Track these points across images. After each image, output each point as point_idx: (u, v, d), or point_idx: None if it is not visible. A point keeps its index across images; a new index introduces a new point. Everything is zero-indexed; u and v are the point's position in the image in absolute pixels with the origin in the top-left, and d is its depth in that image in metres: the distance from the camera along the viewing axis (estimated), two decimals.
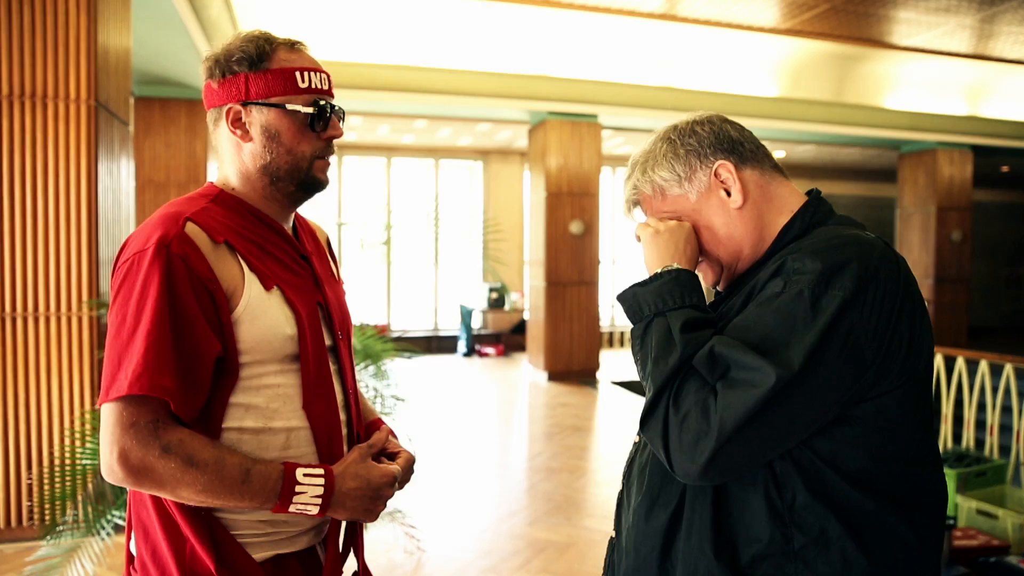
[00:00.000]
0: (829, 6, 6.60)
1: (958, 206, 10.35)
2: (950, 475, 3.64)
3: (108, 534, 2.90)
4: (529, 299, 9.20)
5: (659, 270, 1.08)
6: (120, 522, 3.14)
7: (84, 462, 3.06)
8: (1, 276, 3.44)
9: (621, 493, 1.18)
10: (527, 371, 9.16)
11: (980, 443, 5.24)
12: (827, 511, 0.94)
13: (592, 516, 4.07)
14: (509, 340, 11.53)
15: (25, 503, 3.51)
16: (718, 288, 1.17)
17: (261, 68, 1.14)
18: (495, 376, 9.24)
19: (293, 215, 1.27)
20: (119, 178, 3.92)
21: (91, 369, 3.55)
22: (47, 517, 2.82)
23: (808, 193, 1.13)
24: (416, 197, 11.87)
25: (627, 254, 12.74)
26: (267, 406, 1.13)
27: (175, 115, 7.11)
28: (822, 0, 6.44)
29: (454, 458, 5.33)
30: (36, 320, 3.48)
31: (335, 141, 1.23)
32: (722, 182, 1.09)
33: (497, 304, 11.56)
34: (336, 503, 1.11)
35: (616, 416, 6.89)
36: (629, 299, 1.08)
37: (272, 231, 1.20)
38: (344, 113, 1.24)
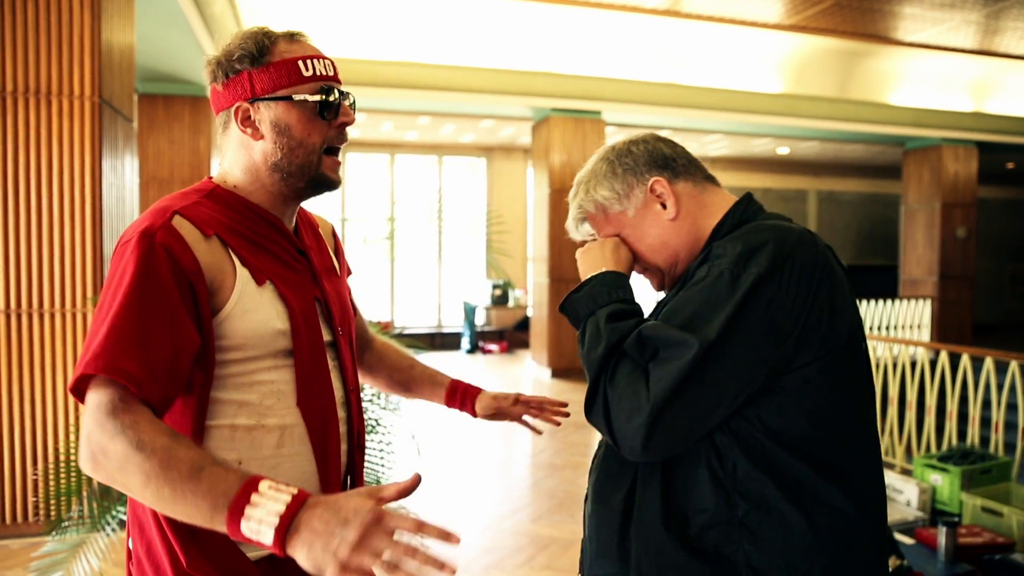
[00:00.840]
0: (834, 2, 6.58)
1: (963, 203, 10.31)
2: (955, 472, 3.64)
3: (113, 530, 2.91)
4: (533, 295, 9.20)
5: (588, 277, 1.19)
6: (124, 518, 3.16)
7: None
8: (6, 272, 3.44)
9: (587, 488, 1.22)
10: (530, 368, 9.17)
11: (985, 440, 5.23)
12: (766, 478, 1.00)
13: None
14: (513, 337, 11.54)
15: (31, 499, 3.53)
16: (664, 292, 1.26)
17: (263, 63, 1.12)
18: (498, 373, 9.24)
19: (296, 210, 1.25)
20: (123, 174, 3.93)
21: None
22: (52, 513, 2.83)
23: (738, 202, 1.20)
24: (419, 194, 11.87)
25: None
26: (260, 403, 1.11)
27: (179, 112, 7.11)
28: None
29: (457, 455, 5.33)
30: (40, 316, 3.49)
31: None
32: (657, 196, 1.18)
33: (501, 301, 11.56)
34: (298, 533, 0.84)
35: None
36: (568, 307, 1.18)
37: (268, 226, 1.18)
38: (355, 99, 1.22)
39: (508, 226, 11.40)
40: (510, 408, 1.57)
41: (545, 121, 8.51)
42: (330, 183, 1.20)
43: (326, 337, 1.21)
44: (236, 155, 1.17)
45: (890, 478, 3.83)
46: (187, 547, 1.04)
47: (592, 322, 1.12)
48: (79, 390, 0.98)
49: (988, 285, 14.55)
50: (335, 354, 1.23)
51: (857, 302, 1.13)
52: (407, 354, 1.67)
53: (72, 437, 3.24)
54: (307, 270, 1.22)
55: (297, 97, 1.13)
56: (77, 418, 3.45)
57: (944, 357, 4.79)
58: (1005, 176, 14.18)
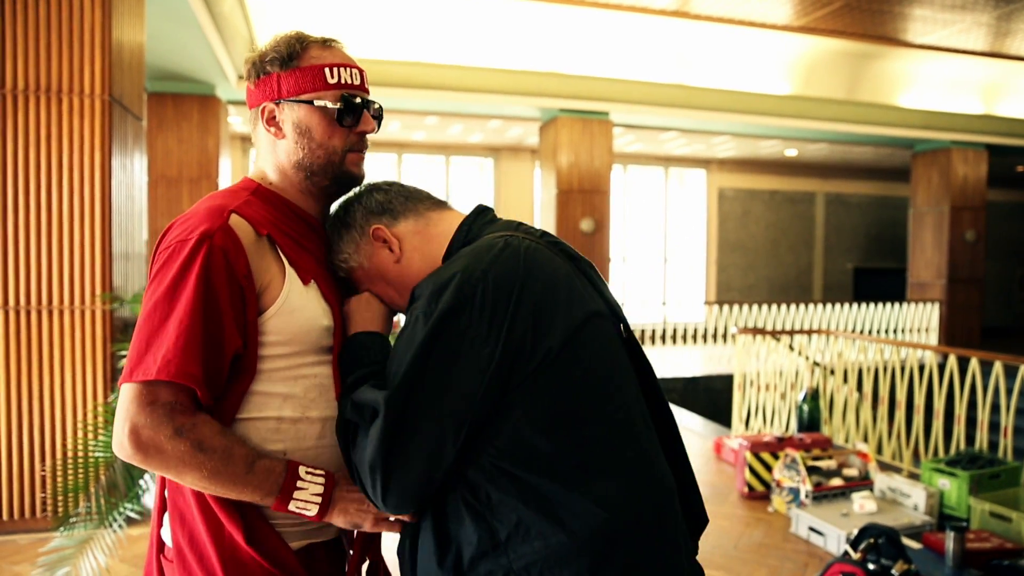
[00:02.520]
0: (843, 3, 6.55)
1: (972, 206, 10.25)
2: (963, 477, 3.62)
3: (120, 526, 2.92)
4: None
5: (350, 337, 1.20)
6: (133, 515, 3.17)
7: (97, 454, 3.08)
8: (16, 270, 3.46)
9: None
10: None
11: (994, 445, 5.21)
12: (516, 501, 1.01)
13: None
14: None
15: (39, 494, 3.54)
16: None
17: (292, 66, 1.17)
18: None
19: (328, 209, 1.30)
20: (132, 173, 3.95)
21: (104, 362, 3.57)
22: (59, 509, 2.84)
23: (463, 223, 1.22)
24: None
25: (637, 252, 12.71)
26: (304, 395, 1.16)
27: (188, 111, 7.13)
28: None
29: None
30: (50, 313, 3.51)
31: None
32: (384, 241, 1.22)
33: None
34: (335, 505, 1.13)
35: None
36: (338, 369, 1.20)
37: (306, 225, 1.23)
38: (381, 109, 1.26)
39: None
40: None
41: (553, 122, 8.50)
42: (354, 178, 1.24)
43: None
44: (267, 153, 1.23)
45: (897, 482, 3.82)
46: (243, 539, 1.10)
47: (345, 384, 1.15)
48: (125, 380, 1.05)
49: (997, 289, 14.48)
50: None
51: (589, 290, 1.13)
52: None
53: (81, 434, 3.25)
54: (329, 268, 1.26)
55: (318, 103, 1.18)
56: (86, 415, 3.46)
57: (953, 361, 4.76)
58: (1015, 179, 14.10)
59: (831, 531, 3.43)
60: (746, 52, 7.82)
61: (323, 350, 1.18)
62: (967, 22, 6.98)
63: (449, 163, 12.03)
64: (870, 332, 9.89)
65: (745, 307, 10.52)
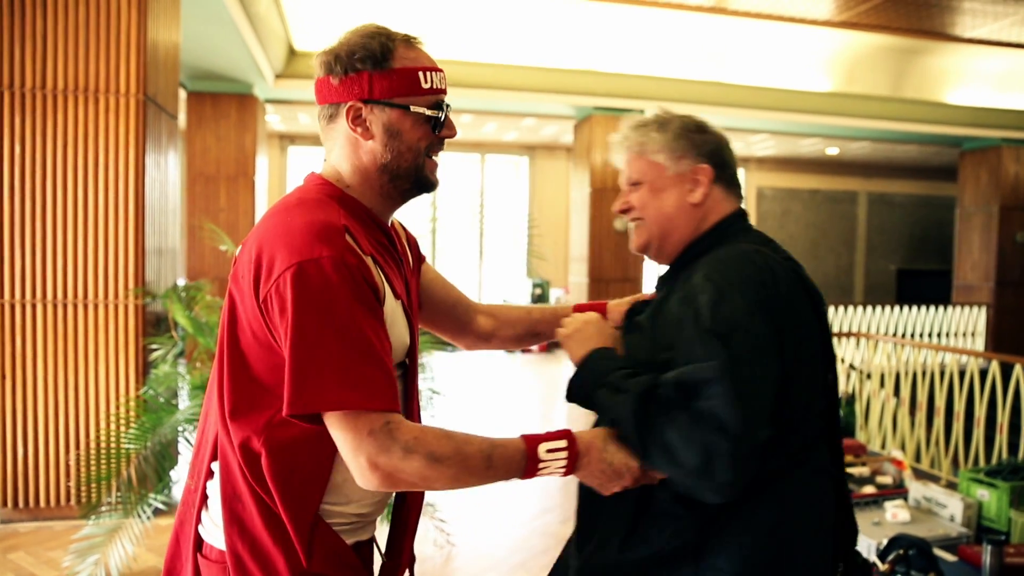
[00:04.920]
0: None
1: (1023, 206, 9.89)
2: (1003, 488, 3.48)
3: (149, 517, 2.99)
4: (573, 295, 9.15)
5: (583, 357, 1.26)
6: (160, 506, 3.24)
7: (128, 446, 3.15)
8: (53, 264, 3.56)
9: None
10: (569, 368, 9.11)
11: None
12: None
13: None
14: None
15: (64, 484, 3.64)
16: (643, 254, 1.36)
17: (385, 67, 1.13)
18: (536, 372, 9.22)
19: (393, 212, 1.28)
20: (166, 170, 4.03)
21: (136, 355, 3.65)
22: (84, 498, 2.92)
23: (734, 212, 1.32)
24: (462, 192, 11.91)
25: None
26: None
27: (226, 109, 7.27)
28: None
29: None
30: (85, 307, 3.60)
31: None
32: (695, 180, 1.28)
33: (540, 300, 11.53)
34: (578, 472, 1.13)
35: None
36: (574, 391, 1.26)
37: (383, 235, 1.21)
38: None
39: (550, 226, 11.36)
40: None
41: (587, 120, 8.44)
42: (432, 185, 1.22)
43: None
44: (344, 153, 1.18)
45: (933, 491, 3.69)
46: (307, 545, 1.08)
47: (605, 390, 1.16)
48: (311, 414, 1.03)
49: None
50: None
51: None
52: (515, 304, 1.67)
53: (112, 426, 3.33)
54: (403, 278, 1.24)
55: (415, 109, 1.15)
56: (118, 407, 3.54)
57: (995, 367, 4.59)
58: None
59: (861, 540, 3.32)
60: (785, 48, 7.65)
61: (399, 366, 1.17)
62: (1021, 14, 6.72)
63: (484, 161, 12.04)
64: (913, 336, 9.62)
65: None
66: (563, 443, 1.10)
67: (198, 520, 1.15)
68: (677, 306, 1.17)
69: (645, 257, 1.39)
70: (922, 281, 13.67)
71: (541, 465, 1.08)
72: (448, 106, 1.20)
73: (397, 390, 1.05)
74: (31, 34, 3.49)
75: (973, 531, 3.51)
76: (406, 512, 1.28)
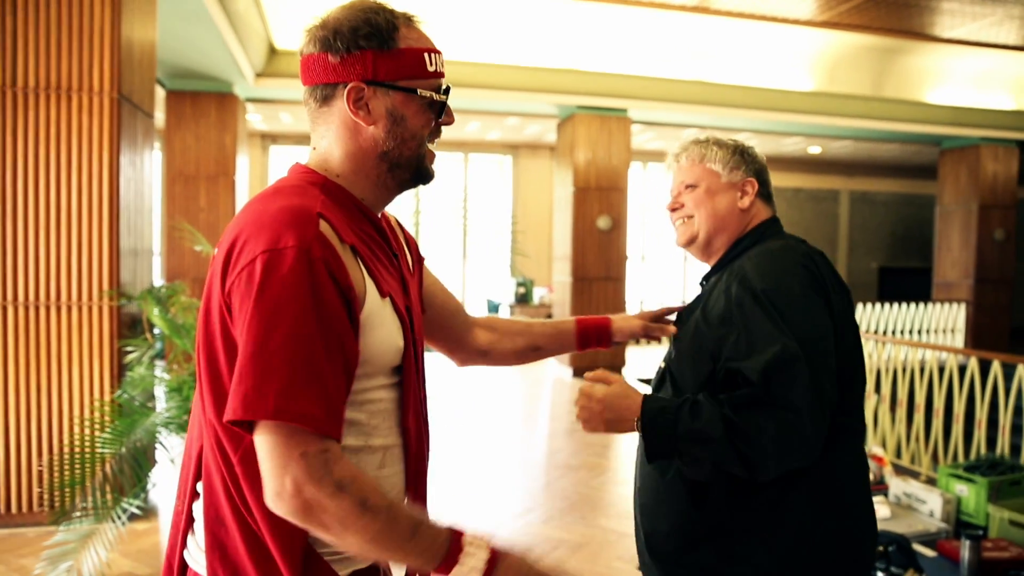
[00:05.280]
0: None
1: (1002, 204, 10.00)
2: (982, 483, 3.50)
3: (123, 522, 2.94)
4: (556, 294, 9.14)
5: (635, 424, 1.30)
6: (136, 511, 3.19)
7: (103, 450, 3.10)
8: (25, 266, 3.50)
9: None
10: (552, 367, 9.11)
11: (1016, 448, 5.05)
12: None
13: (607, 515, 4.01)
14: None
15: (36, 489, 3.57)
16: (687, 249, 1.56)
17: (391, 47, 1.05)
18: (520, 371, 9.20)
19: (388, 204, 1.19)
20: (142, 170, 3.97)
21: (111, 357, 3.60)
22: (57, 503, 2.86)
23: (771, 218, 1.55)
24: (445, 191, 11.88)
25: (657, 250, 12.59)
26: (368, 422, 1.06)
27: (205, 108, 7.19)
28: None
29: (473, 453, 5.31)
30: (58, 309, 3.54)
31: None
32: (743, 190, 1.51)
33: (523, 299, 11.51)
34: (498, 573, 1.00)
35: None
36: (657, 452, 1.29)
37: (372, 226, 1.11)
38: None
39: (534, 225, 11.35)
40: (643, 329, 1.58)
41: (570, 119, 8.44)
42: (430, 177, 1.15)
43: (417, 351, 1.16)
44: (338, 138, 1.08)
45: (913, 487, 3.71)
46: (294, 566, 0.99)
47: (688, 435, 1.24)
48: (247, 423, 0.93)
49: None
50: (420, 368, 1.18)
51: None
52: (515, 318, 1.61)
53: (87, 430, 3.27)
54: (399, 276, 1.14)
55: (423, 93, 1.08)
56: (92, 411, 3.48)
57: (974, 363, 4.63)
58: None
59: None
60: (768, 48, 7.68)
61: (392, 372, 1.08)
62: (998, 15, 6.78)
63: (468, 160, 12.01)
64: (894, 333, 9.69)
65: None
66: (484, 543, 0.99)
67: (183, 544, 1.07)
68: (735, 288, 1.31)
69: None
70: (903, 279, 13.80)
71: (461, 558, 0.96)
72: (449, 89, 1.13)
73: (342, 416, 0.94)
74: (0, 31, 3.43)
75: (952, 526, 3.53)
76: None
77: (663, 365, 1.50)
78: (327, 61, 1.05)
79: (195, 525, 1.05)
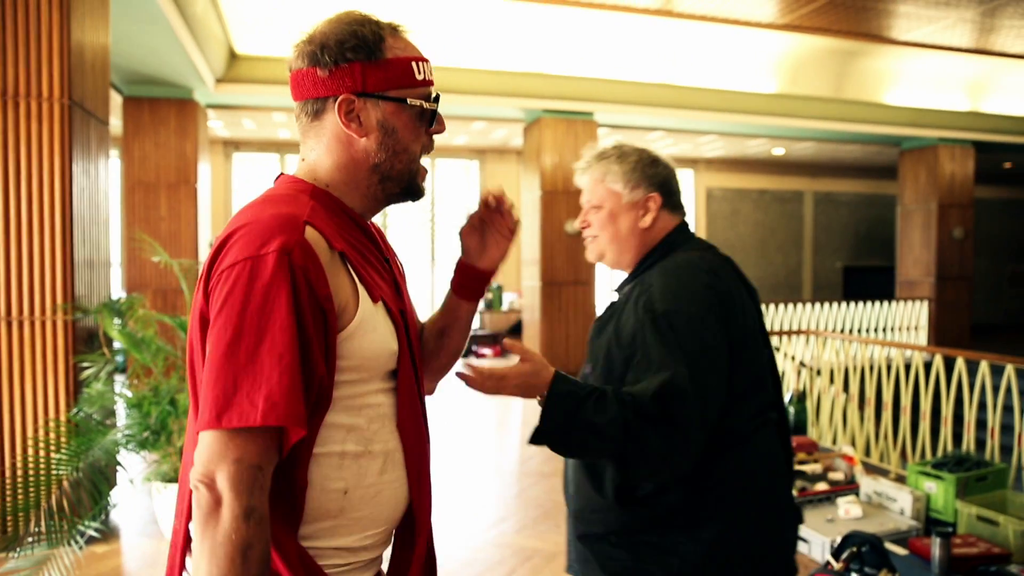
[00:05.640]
0: (828, 1, 6.50)
1: (960, 203, 10.23)
2: (949, 480, 3.54)
3: (81, 546, 2.82)
4: (525, 299, 9.11)
5: (539, 402, 1.32)
6: (94, 533, 3.07)
7: (58, 471, 2.98)
8: None
9: None
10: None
11: (981, 443, 5.13)
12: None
13: None
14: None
15: None
16: (598, 261, 1.61)
17: (378, 58, 1.05)
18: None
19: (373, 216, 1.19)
20: (97, 178, 3.84)
21: (66, 374, 3.46)
22: (10, 528, 2.74)
23: (678, 226, 1.58)
24: None
25: None
26: (367, 427, 1.05)
27: (165, 115, 7.02)
28: None
29: (443, 462, 5.24)
30: (8, 324, 3.40)
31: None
32: (647, 208, 1.54)
33: (492, 305, 11.47)
34: None
35: None
36: (553, 435, 1.31)
37: (363, 234, 1.12)
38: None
39: None
40: (473, 230, 1.34)
41: (536, 122, 8.42)
42: (420, 193, 1.15)
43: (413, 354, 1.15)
44: (330, 150, 1.08)
45: (883, 486, 3.74)
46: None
47: (587, 425, 1.28)
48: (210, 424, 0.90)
49: (987, 286, 14.48)
50: (417, 371, 1.17)
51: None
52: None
53: (40, 452, 3.14)
54: (392, 281, 1.15)
55: (412, 102, 1.08)
56: (48, 432, 3.35)
57: (939, 360, 4.70)
58: (1002, 176, 14.10)
59: (815, 538, 3.34)
60: (731, 51, 7.76)
61: (388, 376, 1.08)
62: (952, 18, 6.94)
63: (434, 166, 11.93)
64: (860, 331, 9.85)
65: None
66: None
67: (181, 567, 1.03)
68: (640, 312, 1.40)
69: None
70: (867, 278, 14.05)
71: None
72: (439, 97, 1.13)
73: (304, 411, 0.92)
74: None
75: (922, 523, 3.56)
76: (410, 534, 1.15)
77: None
78: (316, 75, 1.06)
79: (192, 545, 1.01)
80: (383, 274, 1.12)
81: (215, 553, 0.88)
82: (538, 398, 1.32)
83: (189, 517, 1.02)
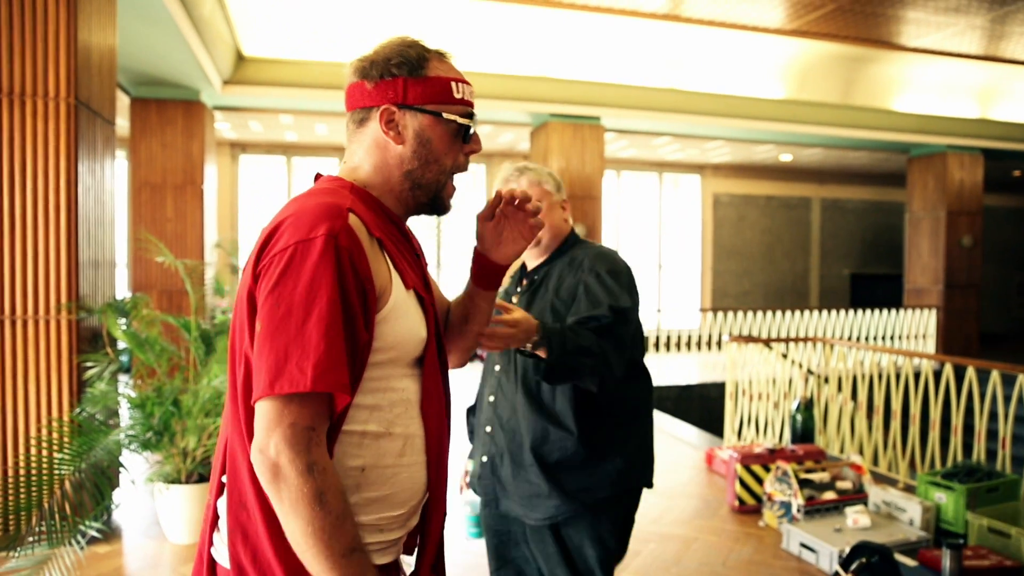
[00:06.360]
0: (836, 6, 6.46)
1: (968, 210, 10.16)
2: (960, 490, 3.49)
3: (82, 546, 2.80)
4: None
5: (537, 341, 1.65)
6: (95, 534, 3.04)
7: (59, 470, 2.96)
8: None
9: None
10: None
11: (992, 454, 5.08)
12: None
13: None
14: None
15: None
16: (534, 246, 2.03)
17: (420, 74, 1.17)
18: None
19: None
20: (102, 178, 3.83)
21: (69, 373, 3.45)
22: (11, 528, 2.72)
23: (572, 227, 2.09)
24: None
25: (632, 258, 12.60)
26: (391, 410, 1.12)
27: (172, 116, 7.03)
28: (829, 0, 6.31)
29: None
30: (12, 323, 3.38)
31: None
32: (565, 207, 2.04)
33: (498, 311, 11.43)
34: None
35: None
36: (559, 366, 1.68)
37: (397, 229, 1.21)
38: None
39: None
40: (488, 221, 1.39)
41: (543, 127, 8.41)
42: (445, 208, 1.25)
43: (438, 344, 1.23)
44: (370, 154, 1.19)
45: (892, 495, 3.69)
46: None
47: (577, 349, 1.69)
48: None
49: (995, 294, 14.39)
50: (443, 360, 1.25)
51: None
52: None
53: (43, 451, 3.13)
54: (421, 273, 1.24)
55: (447, 115, 1.18)
56: (51, 431, 3.33)
57: (948, 369, 4.65)
58: (1012, 184, 14.02)
59: (823, 548, 3.30)
60: (739, 56, 7.73)
61: (414, 363, 1.16)
62: (961, 25, 6.89)
63: None
64: (867, 339, 9.79)
65: (740, 314, 10.41)
66: None
67: (210, 542, 1.11)
68: (584, 273, 1.89)
69: None
70: (875, 285, 13.97)
71: None
72: (475, 117, 1.23)
73: (350, 379, 1.00)
74: None
75: (932, 534, 3.50)
76: (426, 519, 1.20)
77: None
78: (364, 88, 1.18)
79: (220, 521, 1.10)
80: (414, 266, 1.20)
81: (295, 509, 0.96)
82: (527, 346, 1.63)
83: (219, 492, 1.10)
